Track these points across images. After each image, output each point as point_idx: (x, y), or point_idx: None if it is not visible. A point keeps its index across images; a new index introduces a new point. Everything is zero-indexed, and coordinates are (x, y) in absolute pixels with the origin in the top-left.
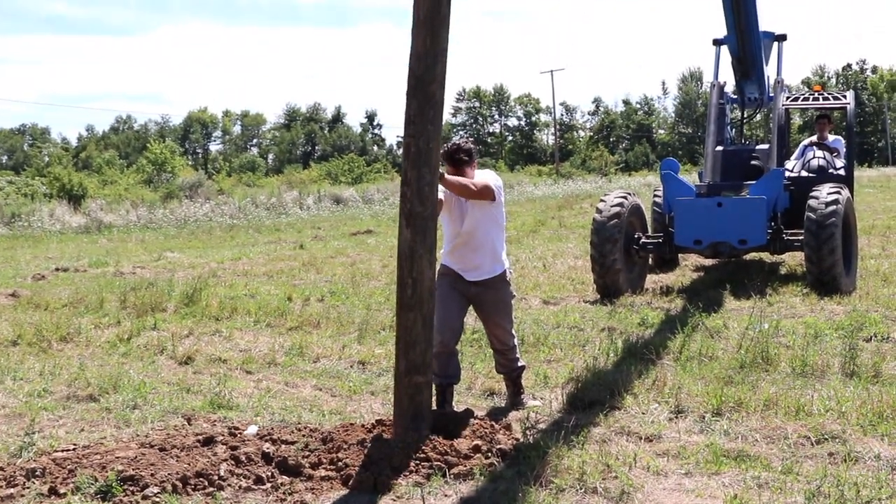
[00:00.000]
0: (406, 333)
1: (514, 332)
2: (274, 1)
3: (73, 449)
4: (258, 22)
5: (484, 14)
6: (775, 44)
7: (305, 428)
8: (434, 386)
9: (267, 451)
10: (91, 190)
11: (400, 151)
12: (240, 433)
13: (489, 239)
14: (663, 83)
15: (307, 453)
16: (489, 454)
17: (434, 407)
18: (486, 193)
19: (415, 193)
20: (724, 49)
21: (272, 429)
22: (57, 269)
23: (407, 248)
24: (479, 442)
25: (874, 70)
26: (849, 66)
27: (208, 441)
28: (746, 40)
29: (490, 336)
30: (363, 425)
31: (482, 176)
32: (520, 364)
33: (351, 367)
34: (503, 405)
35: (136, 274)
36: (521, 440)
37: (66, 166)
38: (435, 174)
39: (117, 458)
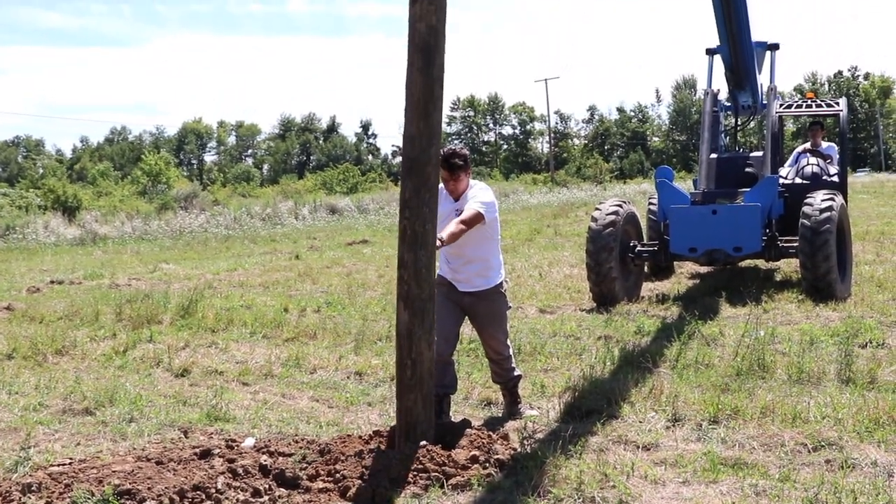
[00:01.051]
0: (407, 415)
1: (509, 342)
2: (268, 11)
3: (70, 463)
4: (252, 32)
5: (478, 24)
6: (768, 52)
7: (303, 440)
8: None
9: (264, 463)
10: (86, 202)
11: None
12: (237, 446)
13: (481, 252)
14: (657, 91)
15: (305, 465)
16: (487, 464)
17: None
18: (477, 221)
19: (412, 276)
20: (718, 58)
21: (269, 441)
22: (52, 282)
23: (405, 330)
24: (476, 452)
25: (866, 76)
26: (840, 72)
27: (205, 454)
28: (739, 51)
29: (485, 346)
30: (361, 437)
31: (476, 192)
32: (516, 374)
33: (348, 378)
34: (500, 415)
35: (132, 286)
36: (519, 450)
37: (61, 178)
38: (431, 256)
39: (114, 472)
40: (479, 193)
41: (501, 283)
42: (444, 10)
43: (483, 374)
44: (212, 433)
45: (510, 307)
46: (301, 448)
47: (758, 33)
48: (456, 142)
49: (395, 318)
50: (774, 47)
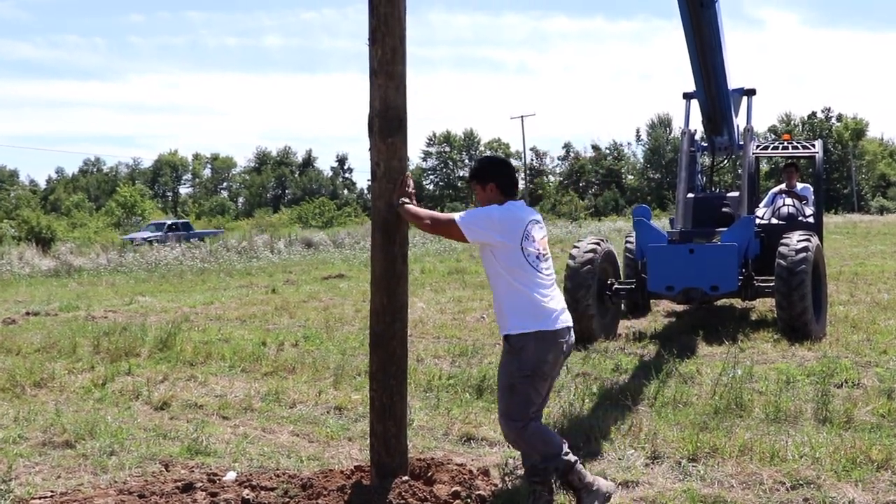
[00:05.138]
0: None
1: (509, 422)
2: (244, 44)
3: (51, 496)
4: (228, 65)
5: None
6: (745, 97)
7: (284, 474)
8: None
9: (247, 497)
10: (60, 233)
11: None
12: (219, 479)
13: (493, 289)
14: (637, 131)
15: (287, 500)
16: (468, 500)
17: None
18: (441, 229)
19: (382, 445)
20: (695, 101)
21: (251, 475)
22: (28, 313)
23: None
24: (458, 488)
25: (839, 118)
26: (814, 114)
27: (187, 487)
28: (716, 98)
29: None
30: (342, 471)
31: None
32: (531, 462)
33: (328, 412)
34: (481, 450)
35: (108, 318)
36: (500, 486)
37: (35, 209)
38: (401, 426)
39: None
40: (481, 208)
41: (515, 335)
42: (410, 187)
43: (462, 409)
44: (193, 467)
45: (526, 375)
46: (283, 482)
47: (734, 79)
48: (431, 178)
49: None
50: (751, 92)
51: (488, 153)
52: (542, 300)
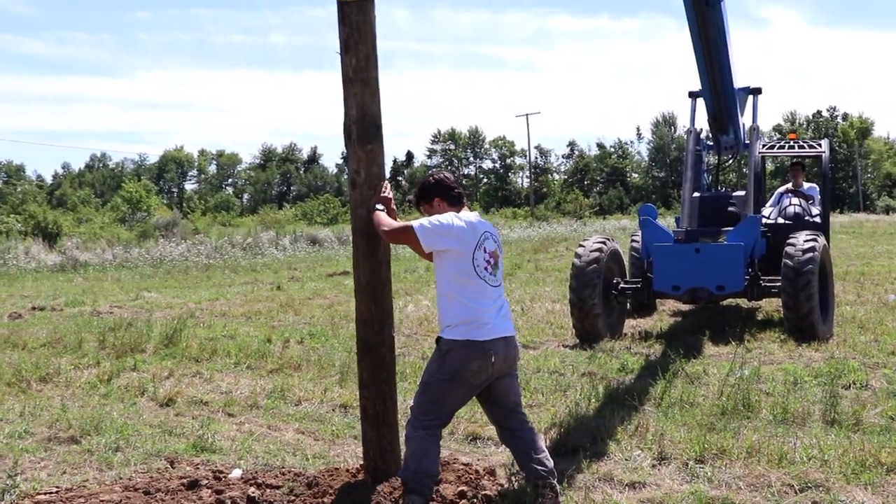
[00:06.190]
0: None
1: (411, 418)
2: (250, 42)
3: (57, 492)
4: (234, 62)
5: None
6: (750, 96)
7: (290, 472)
8: None
9: (252, 495)
10: (66, 228)
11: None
12: (224, 477)
13: (437, 291)
14: (637, 129)
15: (292, 498)
16: (474, 500)
17: None
18: (400, 236)
19: (377, 452)
20: (700, 100)
21: (256, 472)
22: (34, 308)
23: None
24: (464, 488)
25: (845, 117)
26: (819, 112)
27: (193, 484)
28: (722, 97)
29: None
30: (348, 470)
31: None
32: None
33: (333, 410)
34: (487, 450)
35: (114, 314)
36: (506, 486)
37: (41, 204)
38: (394, 434)
39: (101, 501)
40: (439, 214)
41: (445, 339)
42: (387, 194)
43: (468, 409)
44: (198, 464)
45: (444, 378)
46: (288, 480)
47: (739, 78)
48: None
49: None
50: (757, 91)
51: (493, 151)
52: (479, 310)
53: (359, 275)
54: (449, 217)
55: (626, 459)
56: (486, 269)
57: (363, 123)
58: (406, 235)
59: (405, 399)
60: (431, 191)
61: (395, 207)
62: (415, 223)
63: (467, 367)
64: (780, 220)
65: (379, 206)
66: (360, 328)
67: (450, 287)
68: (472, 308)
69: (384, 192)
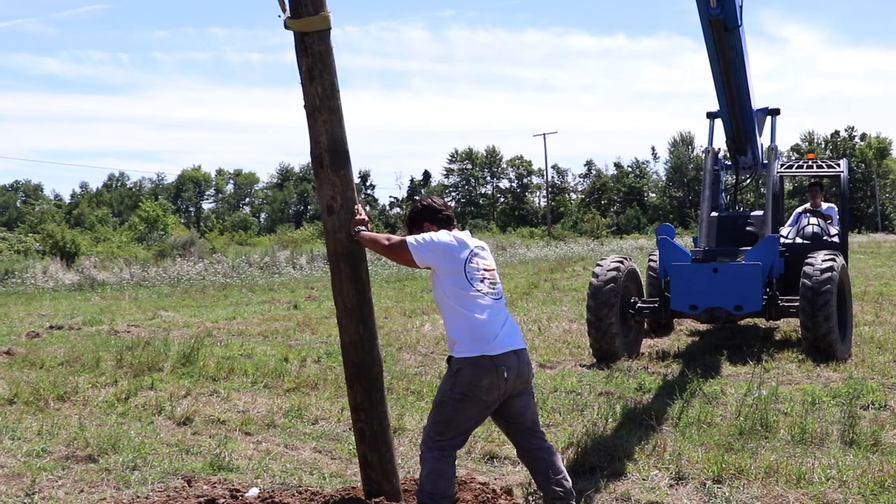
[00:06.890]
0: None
1: (425, 438)
2: (266, 61)
3: None
4: (251, 81)
5: (474, 77)
6: (769, 117)
7: (307, 491)
8: None
9: None
10: (84, 247)
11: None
12: (241, 496)
13: (441, 312)
14: (653, 149)
15: None
16: None
17: None
18: (395, 251)
19: (379, 473)
20: (718, 120)
21: (273, 491)
22: (51, 327)
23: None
24: None
25: (863, 137)
26: (837, 132)
27: (210, 503)
28: (740, 119)
29: None
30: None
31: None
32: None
33: (350, 429)
34: (504, 469)
35: (131, 332)
36: None
37: (59, 223)
38: (392, 451)
39: None
40: (430, 232)
41: (456, 357)
42: (364, 216)
43: (485, 428)
44: (215, 482)
45: (456, 397)
46: (305, 500)
47: (757, 98)
48: (453, 194)
49: None
50: (775, 112)
51: (510, 171)
52: (482, 320)
53: (343, 299)
54: (437, 234)
55: (644, 479)
56: (481, 280)
57: (335, 150)
58: (402, 249)
59: (422, 419)
60: (421, 215)
61: (371, 228)
62: (408, 238)
63: (478, 384)
64: (799, 240)
65: (361, 228)
66: (350, 352)
67: (449, 300)
68: (475, 318)
69: (359, 214)
